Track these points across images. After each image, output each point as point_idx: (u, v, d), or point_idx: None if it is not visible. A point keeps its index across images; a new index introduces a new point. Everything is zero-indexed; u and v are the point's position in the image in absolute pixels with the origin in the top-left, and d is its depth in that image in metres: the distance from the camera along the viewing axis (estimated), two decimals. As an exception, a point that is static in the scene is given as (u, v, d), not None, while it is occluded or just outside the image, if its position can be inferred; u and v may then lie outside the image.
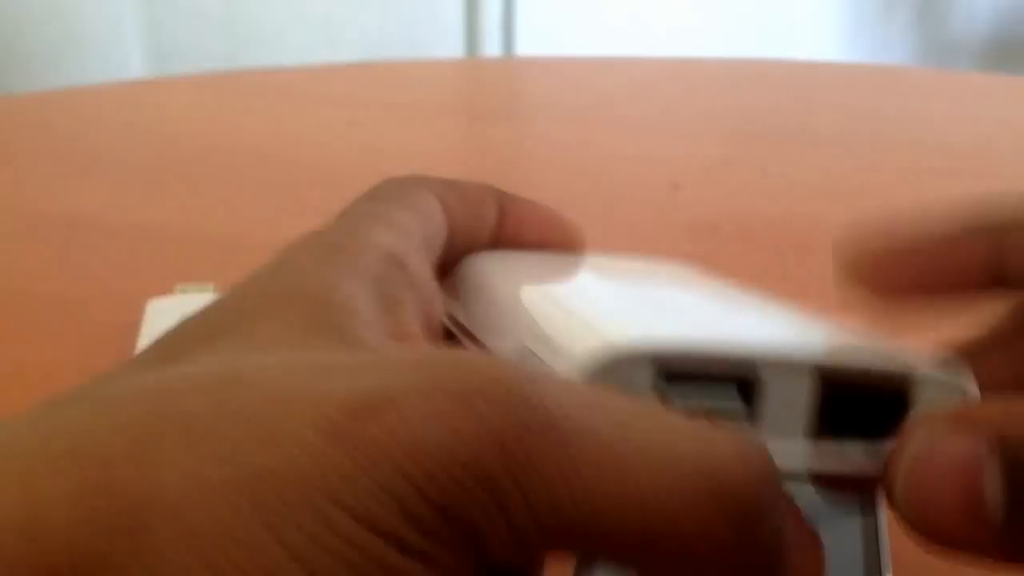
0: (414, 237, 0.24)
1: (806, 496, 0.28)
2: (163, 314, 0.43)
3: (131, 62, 1.45)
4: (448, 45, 1.61)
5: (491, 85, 0.85)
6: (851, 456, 0.20)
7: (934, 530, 0.18)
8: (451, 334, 0.24)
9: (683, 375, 0.19)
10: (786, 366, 0.19)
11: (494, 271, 0.26)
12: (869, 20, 1.65)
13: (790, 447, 0.19)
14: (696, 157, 0.65)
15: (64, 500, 0.15)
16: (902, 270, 0.24)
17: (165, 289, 0.45)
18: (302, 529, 0.15)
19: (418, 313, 0.22)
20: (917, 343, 0.21)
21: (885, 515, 0.29)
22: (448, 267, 0.26)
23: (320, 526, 0.15)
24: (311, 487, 0.16)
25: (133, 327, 0.42)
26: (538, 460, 0.16)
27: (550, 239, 0.28)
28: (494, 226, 0.27)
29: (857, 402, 0.19)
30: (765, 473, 0.17)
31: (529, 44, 1.63)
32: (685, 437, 0.17)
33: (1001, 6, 1.61)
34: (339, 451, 0.16)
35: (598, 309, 0.23)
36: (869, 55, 1.60)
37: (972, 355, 0.23)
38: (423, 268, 0.23)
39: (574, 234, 0.28)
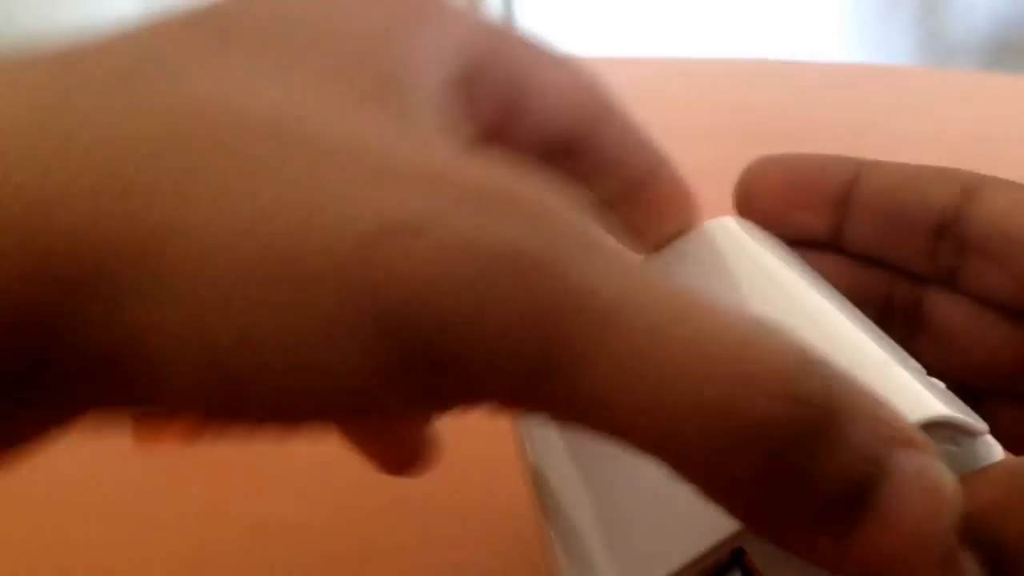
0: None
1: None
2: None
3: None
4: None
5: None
6: None
7: None
8: None
9: None
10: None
11: None
12: (869, 20, 1.65)
13: None
14: (696, 157, 0.65)
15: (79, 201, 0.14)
16: (774, 184, 0.25)
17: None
18: (316, 306, 0.14)
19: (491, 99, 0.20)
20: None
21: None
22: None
23: (333, 309, 0.14)
24: (332, 280, 0.14)
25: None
26: (574, 343, 0.14)
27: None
28: None
29: None
30: (805, 400, 0.15)
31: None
32: (722, 348, 0.15)
33: (1001, 6, 1.61)
34: (362, 266, 0.14)
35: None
36: (869, 55, 1.60)
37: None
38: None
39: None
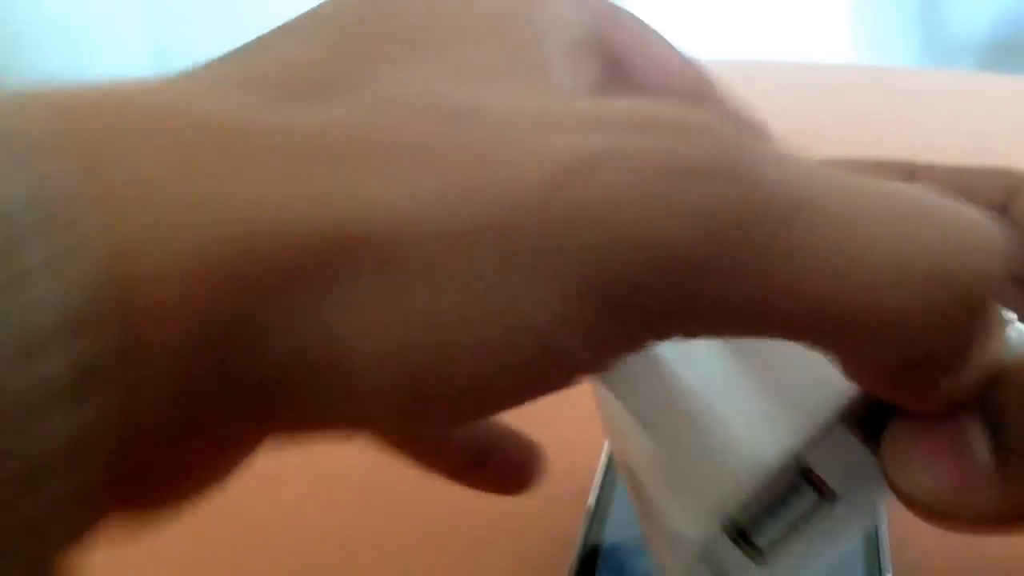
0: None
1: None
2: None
3: (131, 62, 1.45)
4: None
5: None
6: None
7: (933, 495, 0.18)
8: None
9: (752, 519, 0.20)
10: (819, 438, 0.19)
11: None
12: (869, 20, 1.65)
13: (870, 494, 0.20)
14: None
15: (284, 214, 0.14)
16: None
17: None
18: (510, 261, 0.14)
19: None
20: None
21: (885, 515, 0.29)
22: None
23: (538, 275, 0.14)
24: (529, 242, 0.14)
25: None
26: (751, 248, 0.14)
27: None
28: None
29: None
30: (1003, 263, 0.16)
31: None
32: (923, 215, 0.16)
33: (1001, 6, 1.61)
34: (553, 210, 0.14)
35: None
36: (869, 55, 1.60)
37: None
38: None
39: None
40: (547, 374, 0.15)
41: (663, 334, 0.15)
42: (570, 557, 0.28)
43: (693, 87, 0.23)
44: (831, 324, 0.15)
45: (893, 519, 0.29)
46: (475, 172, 0.14)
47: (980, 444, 0.18)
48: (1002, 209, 0.23)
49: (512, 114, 0.16)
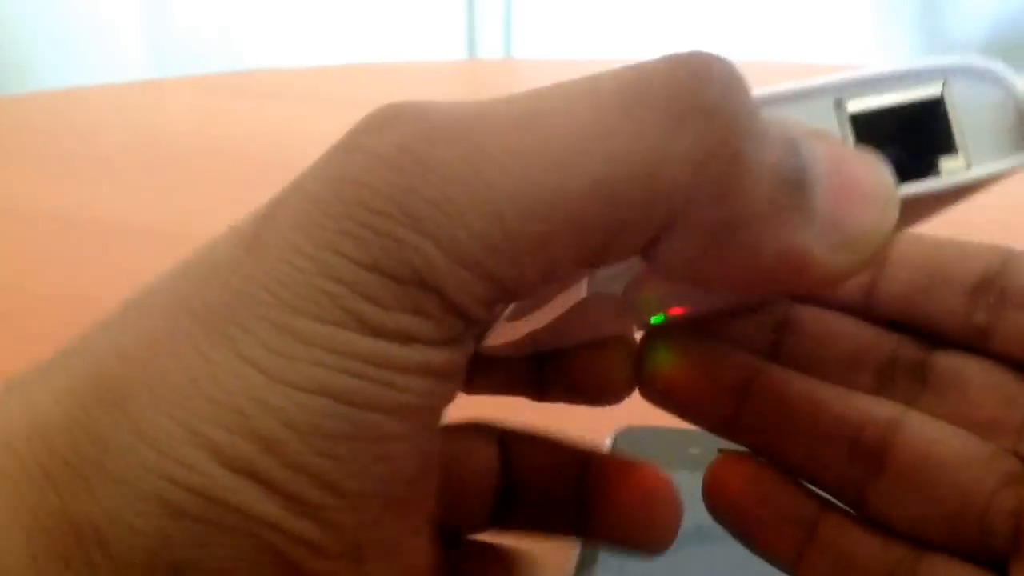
0: None
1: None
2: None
3: (131, 62, 1.45)
4: (448, 45, 1.62)
5: (491, 86, 0.85)
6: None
7: None
8: None
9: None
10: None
11: None
12: (869, 20, 1.65)
13: None
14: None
15: (49, 408, 0.16)
16: None
17: (165, 289, 0.45)
18: (265, 345, 0.15)
19: None
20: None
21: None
22: None
23: (280, 336, 0.15)
24: (256, 303, 0.15)
25: (133, 327, 0.42)
26: (439, 162, 0.15)
27: None
28: None
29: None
30: (702, 57, 0.16)
31: (529, 45, 1.63)
32: (605, 75, 0.16)
33: (1001, 6, 1.61)
34: (264, 258, 0.15)
35: None
36: (869, 55, 1.60)
37: None
38: None
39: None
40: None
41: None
42: (570, 557, 0.28)
43: None
44: (568, 207, 0.15)
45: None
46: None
47: None
48: (1001, 266, 0.22)
49: None
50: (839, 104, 0.19)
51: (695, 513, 0.28)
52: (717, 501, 0.23)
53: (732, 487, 0.23)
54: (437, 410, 0.17)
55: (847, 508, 0.22)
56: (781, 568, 0.22)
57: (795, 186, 0.16)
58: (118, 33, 1.45)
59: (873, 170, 0.17)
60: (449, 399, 0.17)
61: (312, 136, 0.70)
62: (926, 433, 0.21)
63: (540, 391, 0.24)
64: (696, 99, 0.15)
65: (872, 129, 0.18)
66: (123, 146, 0.68)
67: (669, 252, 0.16)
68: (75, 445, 0.15)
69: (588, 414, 0.25)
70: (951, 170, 0.18)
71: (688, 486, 0.29)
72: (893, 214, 0.17)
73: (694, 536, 0.28)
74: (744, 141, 0.16)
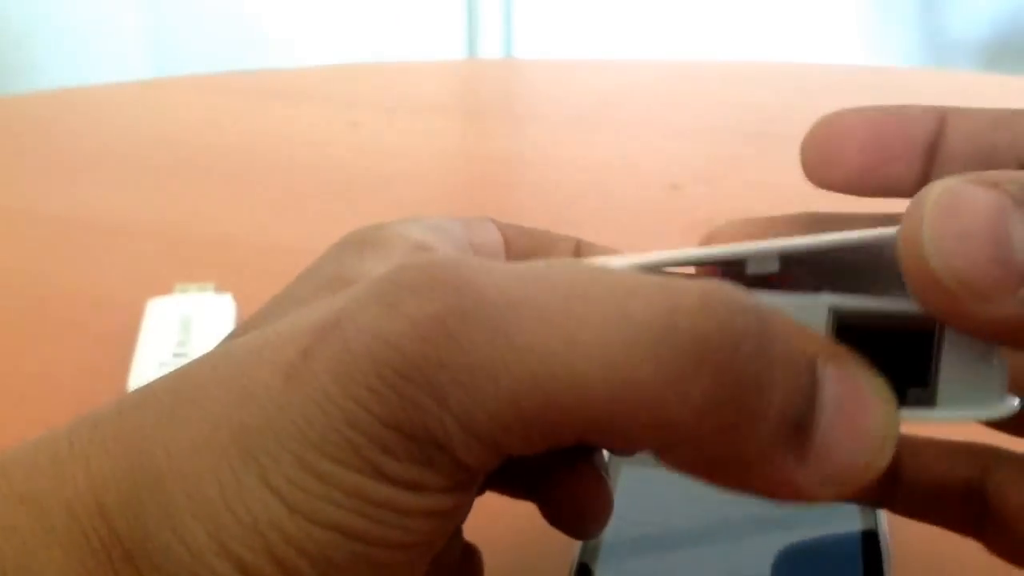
0: (455, 236, 0.24)
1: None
2: (163, 314, 0.43)
3: (131, 62, 1.45)
4: (448, 45, 1.62)
5: (491, 85, 0.85)
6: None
7: (962, 277, 0.17)
8: None
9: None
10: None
11: None
12: (869, 20, 1.65)
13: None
14: (695, 157, 0.65)
15: (108, 483, 0.17)
16: (863, 136, 0.24)
17: (165, 289, 0.45)
18: (289, 477, 0.16)
19: None
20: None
21: (885, 515, 0.29)
22: None
23: (302, 472, 0.16)
24: (285, 435, 0.16)
25: (133, 327, 0.42)
26: (469, 344, 0.16)
27: None
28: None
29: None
30: (732, 307, 0.16)
31: (529, 45, 1.63)
32: (640, 293, 0.16)
33: (1001, 6, 1.61)
34: (298, 394, 0.16)
35: None
36: (869, 55, 1.60)
37: None
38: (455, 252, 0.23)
39: None
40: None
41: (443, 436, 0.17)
42: (570, 557, 0.28)
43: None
44: (580, 409, 0.16)
45: (893, 519, 0.29)
46: (228, 396, 0.17)
47: (1021, 235, 0.16)
48: None
49: (278, 324, 0.18)
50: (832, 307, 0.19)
51: (695, 513, 0.28)
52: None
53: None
54: (442, 538, 0.18)
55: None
56: (871, 504, 0.23)
57: (800, 428, 0.17)
58: (118, 33, 1.45)
59: (882, 406, 0.17)
60: (453, 528, 0.19)
61: (312, 136, 0.70)
62: None
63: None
64: (718, 353, 0.16)
65: (854, 333, 0.18)
66: (123, 146, 0.68)
67: (668, 457, 0.17)
68: (128, 528, 0.17)
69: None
70: (915, 401, 0.19)
71: (688, 486, 0.29)
72: (890, 452, 0.17)
73: (694, 536, 0.28)
74: (759, 398, 0.16)
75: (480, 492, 0.23)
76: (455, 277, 0.17)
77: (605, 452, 0.32)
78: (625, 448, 0.17)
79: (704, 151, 0.66)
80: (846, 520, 0.28)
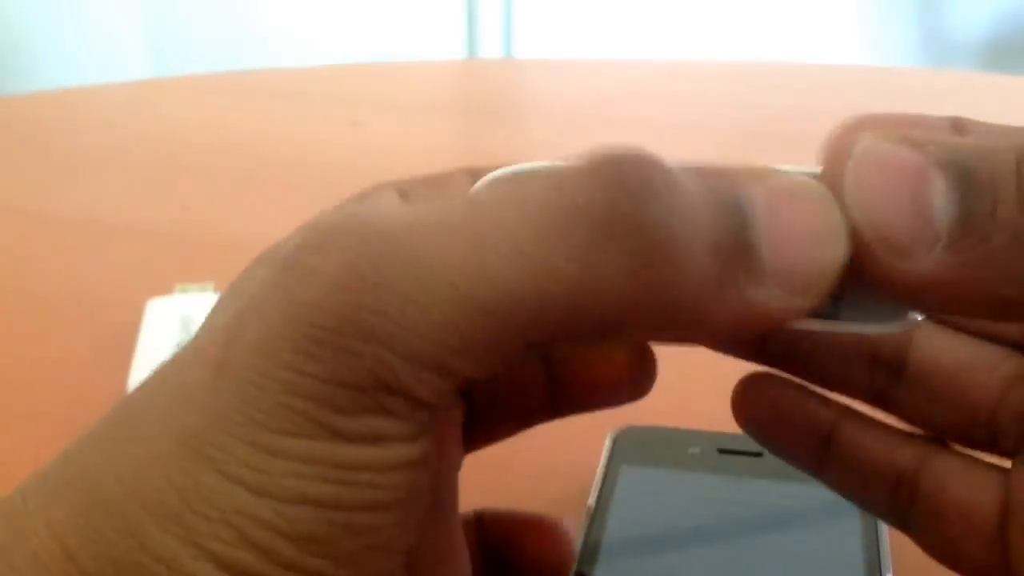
0: None
1: (801, 497, 0.28)
2: (163, 314, 0.43)
3: (131, 62, 1.45)
4: (448, 45, 1.61)
5: (491, 85, 0.85)
6: None
7: (881, 231, 0.17)
8: None
9: None
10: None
11: None
12: (869, 20, 1.65)
13: None
14: (696, 157, 0.65)
15: (68, 527, 0.17)
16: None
17: (165, 289, 0.45)
18: (245, 462, 0.16)
19: None
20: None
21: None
22: None
23: (257, 453, 0.16)
24: (229, 424, 0.16)
25: (133, 327, 0.42)
26: (386, 280, 0.16)
27: None
28: None
29: None
30: (623, 167, 0.16)
31: (529, 45, 1.63)
32: (531, 180, 0.17)
33: (1001, 6, 1.61)
34: (230, 380, 0.16)
35: None
36: (869, 55, 1.60)
37: None
38: None
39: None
40: None
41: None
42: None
43: None
44: (513, 313, 0.16)
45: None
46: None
47: (946, 201, 0.17)
48: None
49: None
50: None
51: (695, 513, 0.28)
52: (742, 417, 0.23)
53: (756, 406, 0.23)
54: (420, 492, 0.18)
55: (861, 412, 0.23)
56: (805, 470, 0.23)
57: (737, 248, 0.17)
58: (118, 33, 1.45)
59: (817, 201, 0.17)
60: (430, 479, 0.18)
61: (312, 136, 0.70)
62: (935, 343, 0.22)
63: (554, 410, 0.24)
64: (615, 209, 0.16)
65: None
66: (123, 146, 0.68)
67: (624, 337, 0.17)
68: (98, 565, 0.16)
69: (589, 414, 0.25)
70: (822, 313, 0.19)
71: (688, 486, 0.29)
72: (842, 243, 0.17)
73: (694, 536, 0.28)
74: (679, 246, 0.16)
75: (471, 447, 0.23)
76: (353, 225, 0.17)
77: (607, 441, 0.32)
78: (579, 344, 0.17)
79: (704, 151, 0.66)
80: (846, 520, 0.28)
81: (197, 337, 0.19)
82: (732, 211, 0.17)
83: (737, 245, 0.16)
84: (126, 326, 0.43)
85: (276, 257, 0.17)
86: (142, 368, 0.39)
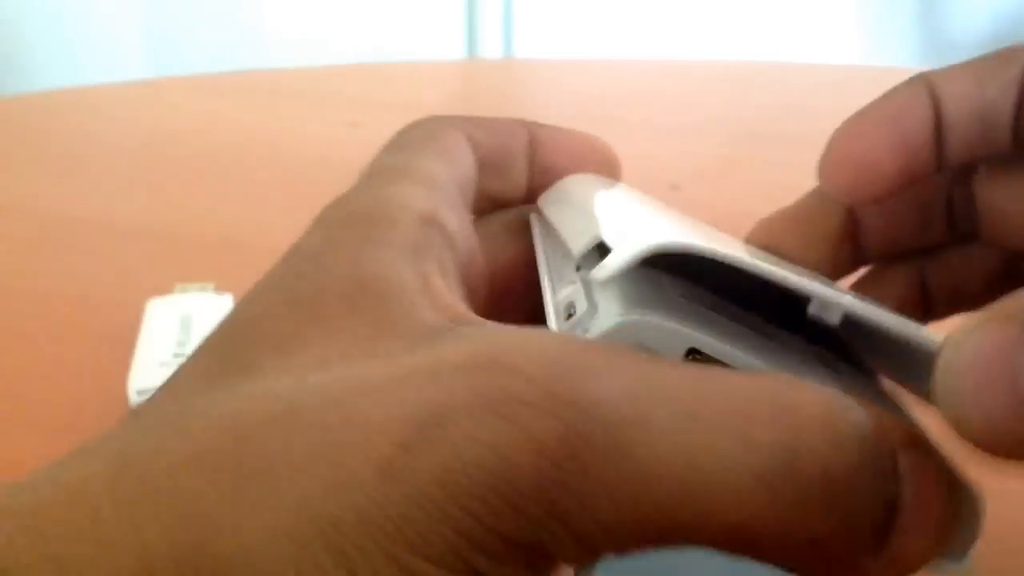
0: (447, 188, 0.23)
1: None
2: (163, 314, 0.43)
3: (131, 62, 1.45)
4: (448, 45, 1.61)
5: (491, 85, 0.85)
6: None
7: (980, 437, 0.16)
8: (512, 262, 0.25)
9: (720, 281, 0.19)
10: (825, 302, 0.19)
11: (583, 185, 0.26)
12: (869, 20, 1.65)
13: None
14: (696, 157, 0.65)
15: (163, 560, 0.15)
16: (880, 150, 0.25)
17: (165, 289, 0.45)
18: (378, 574, 0.15)
19: (458, 274, 0.22)
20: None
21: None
22: (483, 203, 0.25)
23: (394, 570, 0.15)
24: (379, 532, 0.15)
25: (133, 327, 0.42)
26: (592, 466, 0.16)
27: (586, 165, 0.28)
28: (527, 158, 0.27)
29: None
30: (857, 437, 0.16)
31: (529, 45, 1.63)
32: (759, 416, 0.16)
33: (1001, 6, 1.61)
34: (397, 491, 0.15)
35: (649, 219, 0.23)
36: (869, 55, 1.60)
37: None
38: (459, 220, 0.23)
39: (611, 158, 0.28)
40: None
41: (557, 554, 0.16)
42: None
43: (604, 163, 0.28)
44: (700, 536, 0.16)
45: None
46: (314, 482, 0.16)
47: None
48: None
49: (348, 395, 0.17)
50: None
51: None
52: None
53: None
54: None
55: None
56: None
57: (882, 530, 0.17)
58: (118, 33, 1.45)
59: (956, 494, 0.17)
60: None
61: (312, 136, 0.70)
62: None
63: None
64: (845, 497, 0.16)
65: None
66: (123, 146, 0.68)
67: (752, 555, 0.17)
68: None
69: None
70: None
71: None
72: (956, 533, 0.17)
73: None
74: (864, 518, 0.16)
75: None
76: (570, 391, 0.16)
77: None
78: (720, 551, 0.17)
79: (704, 151, 0.66)
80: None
81: (269, 323, 0.19)
82: (892, 492, 0.17)
83: (884, 524, 0.17)
84: (126, 326, 0.43)
85: (470, 370, 0.17)
86: (142, 368, 0.39)
